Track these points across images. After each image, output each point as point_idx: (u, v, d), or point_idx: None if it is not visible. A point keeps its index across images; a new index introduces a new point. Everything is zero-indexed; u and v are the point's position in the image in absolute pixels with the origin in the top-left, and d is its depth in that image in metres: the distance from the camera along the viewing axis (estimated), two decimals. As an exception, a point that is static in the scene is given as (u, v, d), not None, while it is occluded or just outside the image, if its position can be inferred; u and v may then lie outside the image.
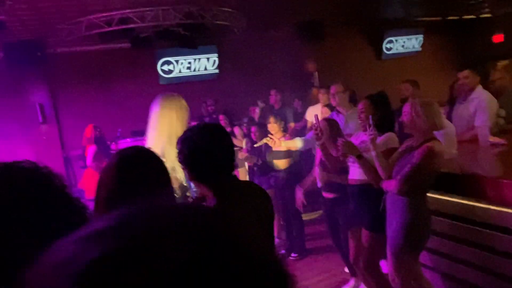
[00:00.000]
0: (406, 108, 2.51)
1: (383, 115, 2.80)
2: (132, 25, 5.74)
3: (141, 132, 7.02)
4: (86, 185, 5.32)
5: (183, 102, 2.41)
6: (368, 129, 2.61)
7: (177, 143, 1.51)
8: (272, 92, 6.20)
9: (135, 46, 6.30)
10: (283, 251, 4.58)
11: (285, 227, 4.61)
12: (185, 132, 1.51)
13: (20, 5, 4.73)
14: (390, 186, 2.51)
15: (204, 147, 1.44)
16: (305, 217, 4.91)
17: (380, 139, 2.74)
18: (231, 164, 1.51)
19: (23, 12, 5.03)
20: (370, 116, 2.64)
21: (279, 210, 4.60)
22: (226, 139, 1.51)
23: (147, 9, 5.67)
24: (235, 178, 1.57)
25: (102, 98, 7.23)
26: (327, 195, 3.46)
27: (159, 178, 1.24)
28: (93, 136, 5.38)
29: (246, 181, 1.76)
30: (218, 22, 6.17)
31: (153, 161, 1.26)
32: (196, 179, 1.50)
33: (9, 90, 6.67)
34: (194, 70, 7.80)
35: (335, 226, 3.50)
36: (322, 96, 5.28)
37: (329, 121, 3.37)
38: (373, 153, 2.59)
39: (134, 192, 1.16)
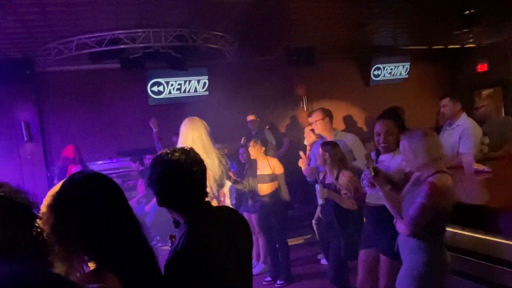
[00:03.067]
0: (403, 142, 2.29)
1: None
2: (122, 46, 5.76)
3: (129, 153, 7.05)
4: None
5: (205, 123, 3.24)
6: (371, 162, 2.41)
7: (149, 166, 1.48)
8: (250, 117, 6.23)
9: (125, 66, 6.31)
10: (268, 278, 4.49)
11: (271, 252, 4.54)
12: (155, 157, 1.47)
13: (10, 23, 4.72)
14: (400, 228, 2.30)
15: (174, 173, 1.39)
16: (291, 242, 4.86)
17: (398, 163, 2.53)
18: (203, 190, 1.46)
19: (13, 30, 5.02)
20: (371, 153, 2.47)
21: (265, 235, 4.54)
22: (198, 164, 1.45)
23: (138, 30, 5.71)
24: (208, 204, 1.50)
25: (90, 118, 7.18)
26: (323, 218, 3.46)
27: (112, 201, 1.20)
28: (76, 156, 5.37)
29: (221, 206, 1.69)
30: (209, 45, 6.23)
31: (106, 184, 1.22)
32: (165, 206, 1.44)
33: (-4, 108, 6.61)
34: (184, 92, 7.83)
35: (328, 249, 3.49)
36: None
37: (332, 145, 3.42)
38: (380, 193, 2.37)
39: (87, 216, 1.13)
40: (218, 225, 1.44)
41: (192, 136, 3.13)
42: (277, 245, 4.44)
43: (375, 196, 2.65)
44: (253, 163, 4.60)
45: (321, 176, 3.59)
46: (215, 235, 1.39)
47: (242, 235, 1.51)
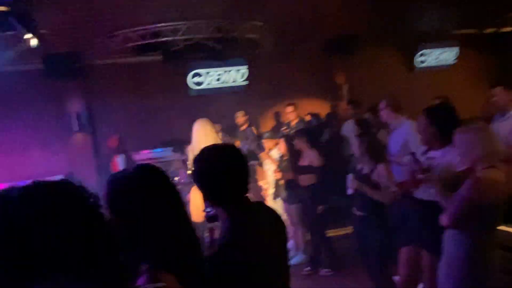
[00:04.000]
0: (458, 136, 2.27)
1: (441, 129, 2.60)
2: (164, 39, 5.90)
3: (171, 142, 7.26)
4: None
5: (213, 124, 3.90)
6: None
7: (193, 162, 1.52)
8: (289, 108, 6.19)
9: (167, 58, 6.47)
10: (308, 268, 4.51)
11: (312, 243, 4.56)
12: (200, 152, 1.51)
13: (61, 18, 4.97)
14: (441, 219, 2.27)
15: (219, 168, 1.43)
16: (332, 233, 4.84)
17: (449, 159, 2.51)
18: (246, 186, 1.50)
19: (63, 25, 5.28)
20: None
21: (304, 226, 4.56)
22: (241, 160, 1.49)
23: (180, 23, 5.82)
24: (248, 200, 1.54)
25: (134, 109, 7.44)
26: (357, 212, 3.41)
27: (170, 195, 1.26)
28: (120, 146, 5.59)
29: (257, 202, 1.75)
30: (248, 35, 6.24)
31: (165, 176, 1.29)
32: (210, 200, 1.49)
33: (48, 100, 7.00)
34: (224, 82, 7.90)
35: (365, 246, 3.42)
36: (349, 112, 5.31)
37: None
38: (432, 191, 2.37)
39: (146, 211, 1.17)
40: (258, 219, 1.50)
41: (200, 132, 3.79)
42: (315, 237, 4.44)
43: (426, 191, 2.59)
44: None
45: (359, 166, 3.53)
46: (257, 228, 1.45)
47: (278, 228, 1.58)
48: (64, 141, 7.13)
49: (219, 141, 3.74)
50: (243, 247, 1.34)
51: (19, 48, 5.82)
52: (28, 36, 4.31)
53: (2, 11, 3.73)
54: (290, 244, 5.07)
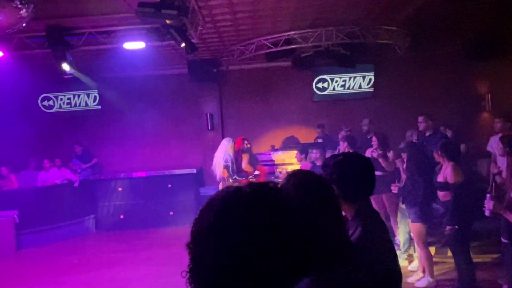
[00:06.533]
0: None
1: None
2: (295, 46, 6.11)
3: (292, 146, 7.40)
4: None
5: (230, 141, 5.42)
6: None
7: (328, 165, 1.74)
8: (420, 118, 5.71)
9: (295, 65, 6.68)
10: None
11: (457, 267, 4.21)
12: (334, 157, 1.76)
13: (208, 30, 5.54)
14: None
15: (357, 169, 1.68)
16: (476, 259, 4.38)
17: None
18: (372, 189, 1.73)
19: (209, 35, 5.88)
20: None
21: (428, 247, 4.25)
22: (370, 165, 1.73)
23: (311, 30, 5.96)
24: (370, 202, 1.76)
25: (260, 111, 7.88)
26: (503, 239, 3.06)
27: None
28: (242, 147, 5.90)
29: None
30: (380, 41, 6.06)
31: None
32: (344, 197, 1.66)
33: (189, 101, 7.87)
34: (348, 88, 7.83)
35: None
36: (497, 125, 4.72)
37: None
38: None
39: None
40: (377, 219, 1.72)
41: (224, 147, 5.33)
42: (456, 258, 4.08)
43: None
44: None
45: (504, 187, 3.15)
46: (381, 223, 1.69)
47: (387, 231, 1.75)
48: (198, 138, 7.92)
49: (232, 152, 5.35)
50: (381, 235, 1.60)
51: (170, 55, 6.69)
52: (182, 45, 4.93)
53: (167, 24, 4.35)
54: (414, 265, 4.78)
